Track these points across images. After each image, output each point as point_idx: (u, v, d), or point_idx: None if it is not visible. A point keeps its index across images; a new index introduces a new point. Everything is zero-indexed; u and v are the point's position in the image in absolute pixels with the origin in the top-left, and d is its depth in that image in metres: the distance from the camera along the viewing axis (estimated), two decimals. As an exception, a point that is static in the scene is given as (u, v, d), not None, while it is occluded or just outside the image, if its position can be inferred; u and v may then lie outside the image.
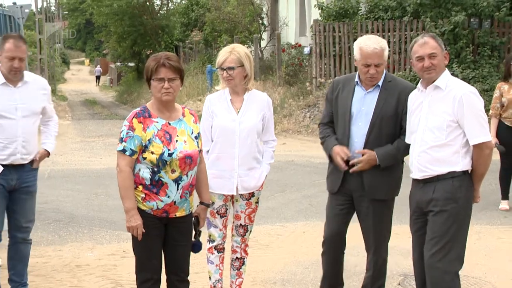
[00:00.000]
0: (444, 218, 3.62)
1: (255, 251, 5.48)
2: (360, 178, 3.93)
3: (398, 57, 14.21)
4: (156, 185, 3.42)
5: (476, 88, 3.90)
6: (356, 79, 4.00)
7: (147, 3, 26.99)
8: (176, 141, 3.44)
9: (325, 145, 4.08)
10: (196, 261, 4.64)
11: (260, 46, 19.40)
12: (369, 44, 3.85)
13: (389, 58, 13.45)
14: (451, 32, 13.08)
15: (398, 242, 5.54)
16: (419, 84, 3.79)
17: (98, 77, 45.63)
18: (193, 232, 3.68)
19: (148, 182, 3.41)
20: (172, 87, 3.36)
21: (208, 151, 4.07)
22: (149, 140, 3.37)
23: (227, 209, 4.12)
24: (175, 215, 3.50)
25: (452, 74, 3.87)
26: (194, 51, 24.03)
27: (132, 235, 3.45)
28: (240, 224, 4.16)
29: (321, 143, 4.15)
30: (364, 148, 3.92)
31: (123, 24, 27.16)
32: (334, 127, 4.09)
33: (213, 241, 4.12)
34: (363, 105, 3.97)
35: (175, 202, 3.46)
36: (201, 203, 3.69)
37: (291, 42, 19.09)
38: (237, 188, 4.05)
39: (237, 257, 4.19)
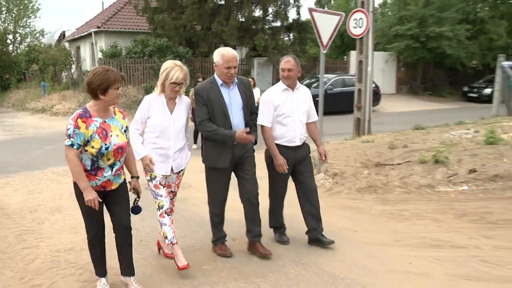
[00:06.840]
0: (311, 163, 4.84)
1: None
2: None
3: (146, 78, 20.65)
4: (95, 169, 3.58)
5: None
6: (220, 82, 4.32)
7: (4, 49, 36.62)
8: (111, 135, 3.53)
9: (221, 133, 4.27)
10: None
11: (71, 71, 25.76)
12: (229, 51, 4.23)
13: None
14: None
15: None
16: (281, 86, 4.57)
17: None
18: (134, 199, 3.94)
19: (89, 168, 3.56)
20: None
21: (137, 129, 4.18)
22: (91, 136, 3.46)
23: (166, 181, 4.34)
24: (111, 188, 3.70)
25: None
26: (34, 75, 31.98)
27: (81, 208, 3.62)
28: (171, 191, 4.45)
29: (212, 133, 4.31)
30: (245, 126, 4.41)
31: (-12, 59, 34.94)
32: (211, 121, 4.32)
33: (162, 207, 4.23)
34: (231, 98, 4.36)
35: (109, 179, 3.64)
36: (132, 177, 3.91)
37: (88, 69, 24.76)
38: (171, 168, 4.33)
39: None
